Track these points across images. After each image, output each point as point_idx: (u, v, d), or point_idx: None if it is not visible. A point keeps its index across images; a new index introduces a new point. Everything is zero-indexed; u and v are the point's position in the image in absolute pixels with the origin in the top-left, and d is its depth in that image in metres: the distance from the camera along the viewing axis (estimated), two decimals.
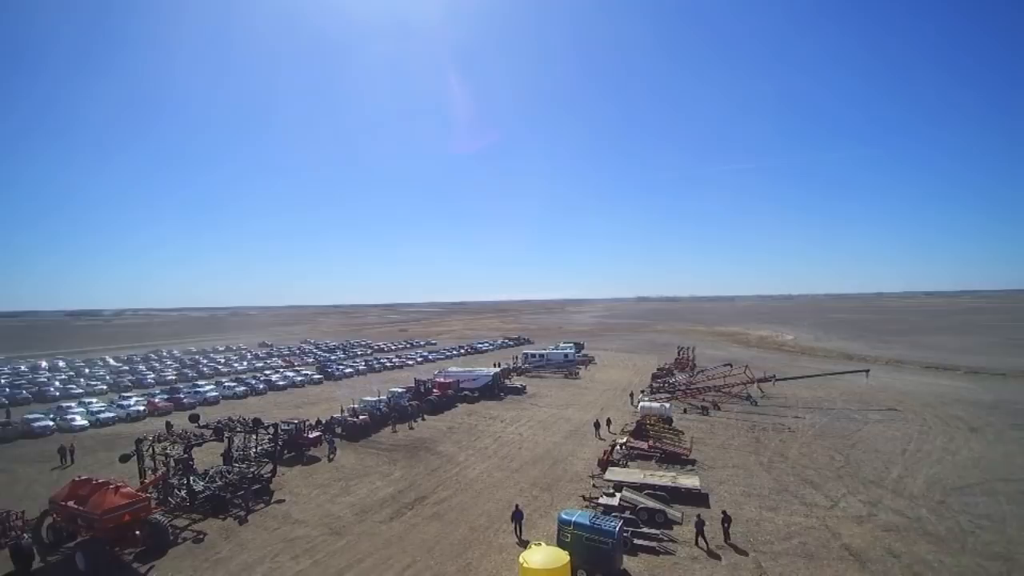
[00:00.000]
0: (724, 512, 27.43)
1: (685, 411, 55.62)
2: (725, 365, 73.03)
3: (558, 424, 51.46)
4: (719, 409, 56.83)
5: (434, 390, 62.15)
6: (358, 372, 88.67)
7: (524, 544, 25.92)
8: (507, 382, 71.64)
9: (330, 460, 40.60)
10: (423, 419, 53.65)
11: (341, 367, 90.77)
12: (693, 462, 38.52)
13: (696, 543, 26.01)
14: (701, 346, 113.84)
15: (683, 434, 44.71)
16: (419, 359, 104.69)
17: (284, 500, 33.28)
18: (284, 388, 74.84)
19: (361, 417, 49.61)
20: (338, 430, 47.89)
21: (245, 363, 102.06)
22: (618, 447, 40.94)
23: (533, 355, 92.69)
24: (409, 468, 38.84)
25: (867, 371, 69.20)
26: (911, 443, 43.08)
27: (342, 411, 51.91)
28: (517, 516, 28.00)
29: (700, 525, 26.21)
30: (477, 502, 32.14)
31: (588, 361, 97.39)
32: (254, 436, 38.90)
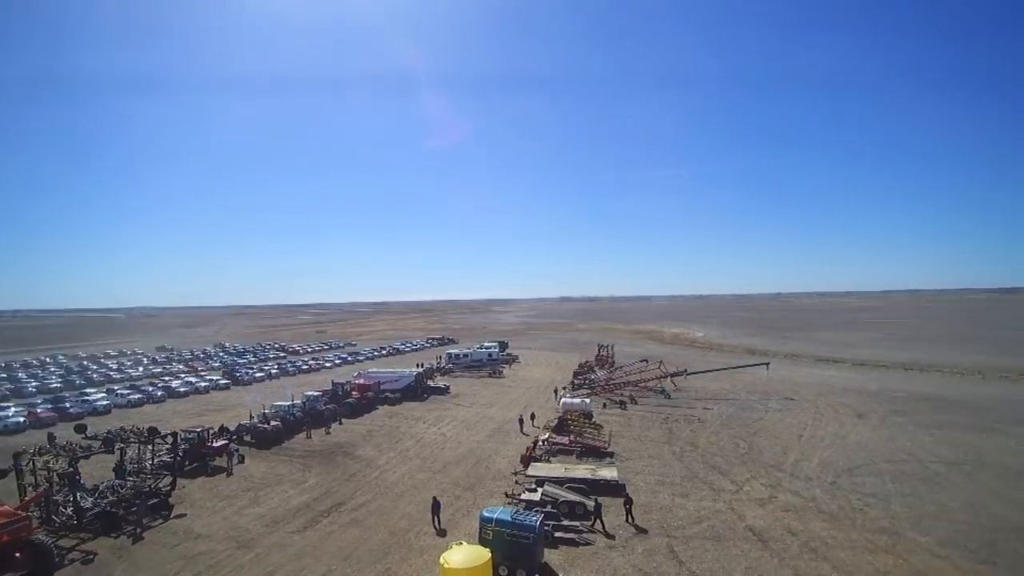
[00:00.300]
0: (627, 495, 29.33)
1: (605, 406, 57.32)
2: (642, 361, 76.03)
3: (482, 423, 51.35)
4: (636, 403, 59.08)
5: (353, 392, 60.10)
6: (270, 376, 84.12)
7: (443, 534, 26.75)
8: (430, 382, 70.65)
9: (228, 476, 37.31)
10: (340, 423, 51.70)
11: (250, 371, 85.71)
12: (612, 454, 39.70)
13: (592, 526, 27.40)
14: (620, 344, 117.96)
15: (603, 428, 45.98)
16: (337, 361, 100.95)
17: (185, 514, 30.82)
18: (186, 395, 69.56)
19: (272, 423, 47.00)
20: (247, 438, 45.11)
21: (141, 368, 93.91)
22: (540, 443, 41.43)
23: (457, 355, 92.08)
24: (325, 474, 37.22)
25: (767, 364, 74.84)
26: (806, 429, 46.78)
27: (251, 417, 48.91)
28: (435, 507, 28.42)
29: (598, 508, 27.92)
30: (398, 505, 31.33)
31: (512, 360, 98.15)
32: (150, 447, 35.75)
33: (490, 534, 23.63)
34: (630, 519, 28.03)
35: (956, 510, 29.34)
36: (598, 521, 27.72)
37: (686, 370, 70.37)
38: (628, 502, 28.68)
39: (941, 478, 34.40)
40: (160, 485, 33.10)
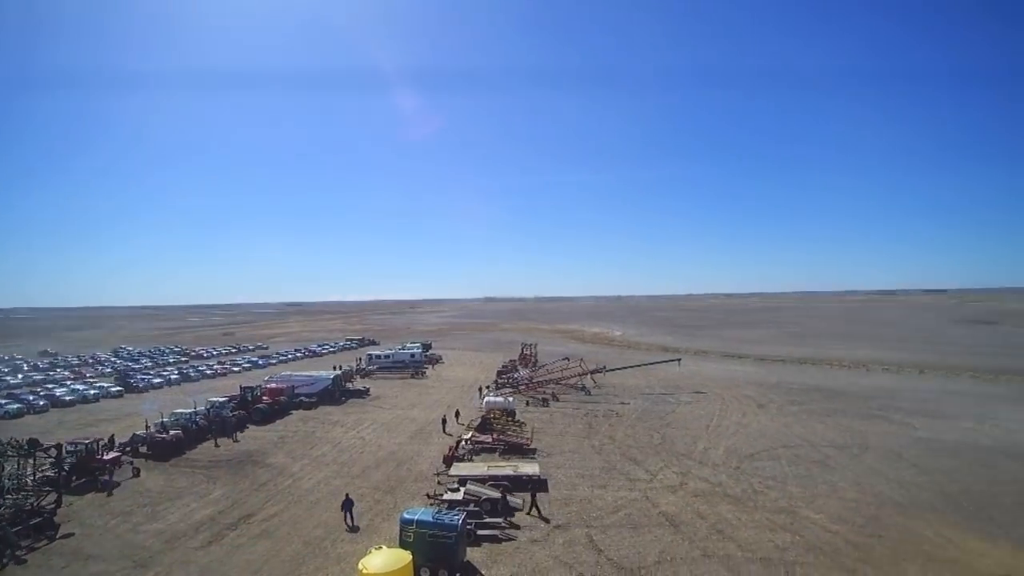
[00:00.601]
0: (532, 489, 30.13)
1: (528, 404, 57.95)
2: (563, 359, 77.65)
3: (403, 425, 50.25)
4: (558, 400, 60.22)
5: (264, 397, 56.85)
6: (170, 382, 77.83)
7: (355, 530, 26.84)
8: (349, 385, 68.31)
9: (109, 494, 33.67)
10: (247, 428, 48.74)
11: (147, 377, 78.94)
12: (534, 451, 40.15)
13: (529, 512, 28.35)
14: (543, 343, 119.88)
15: (525, 425, 46.41)
16: (247, 365, 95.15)
17: (74, 534, 27.81)
18: (72, 404, 62.86)
19: (172, 432, 43.48)
20: (143, 449, 41.48)
21: (20, 376, 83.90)
22: (463, 443, 41.15)
23: (378, 356, 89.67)
24: (232, 485, 34.88)
25: (679, 360, 79.01)
26: (714, 420, 49.67)
27: (148, 427, 44.97)
28: (347, 505, 28.14)
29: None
30: (312, 513, 29.90)
31: (436, 360, 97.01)
32: (31, 461, 31.95)
33: (411, 536, 23.11)
34: (534, 511, 28.72)
35: (845, 489, 32.21)
36: (534, 508, 28.79)
37: (605, 367, 72.64)
38: (533, 494, 29.45)
39: (832, 460, 37.65)
40: (44, 503, 29.72)
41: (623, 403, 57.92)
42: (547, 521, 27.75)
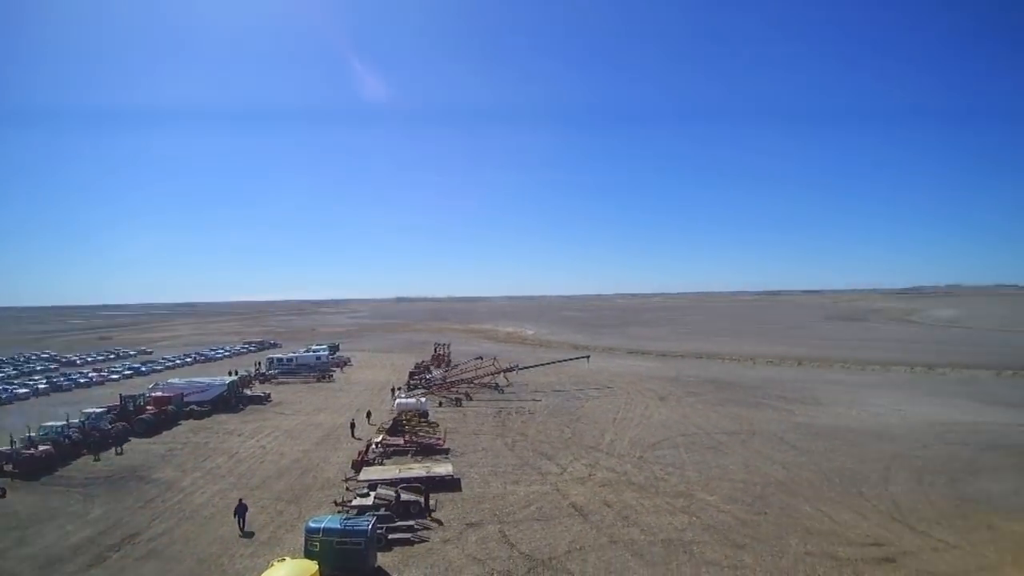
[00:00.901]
0: (425, 490, 29.68)
1: (441, 404, 57.44)
2: (477, 359, 77.79)
3: (308, 431, 47.94)
4: (471, 399, 60.23)
5: (148, 407, 51.96)
6: (37, 392, 69.12)
7: (249, 535, 25.83)
8: (247, 391, 64.15)
9: None
10: (129, 441, 44.39)
11: (10, 387, 69.59)
12: (447, 451, 39.86)
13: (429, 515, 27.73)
14: (456, 343, 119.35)
15: (438, 426, 45.98)
16: (128, 372, 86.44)
17: None
18: None
19: (42, 448, 38.60)
20: (7, 467, 36.51)
21: None
22: (374, 446, 39.99)
23: (280, 359, 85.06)
24: (114, 503, 31.55)
25: (588, 357, 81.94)
26: (619, 413, 51.94)
27: (12, 442, 39.51)
28: (240, 510, 27.05)
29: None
30: (206, 529, 27.69)
31: (344, 363, 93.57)
32: None
33: (317, 545, 22.09)
34: (428, 515, 28.09)
35: (735, 471, 34.87)
36: (428, 510, 28.32)
37: (518, 366, 73.63)
38: (426, 496, 28.98)
39: (724, 446, 40.63)
40: None
41: (535, 400, 59.04)
42: (440, 523, 27.35)
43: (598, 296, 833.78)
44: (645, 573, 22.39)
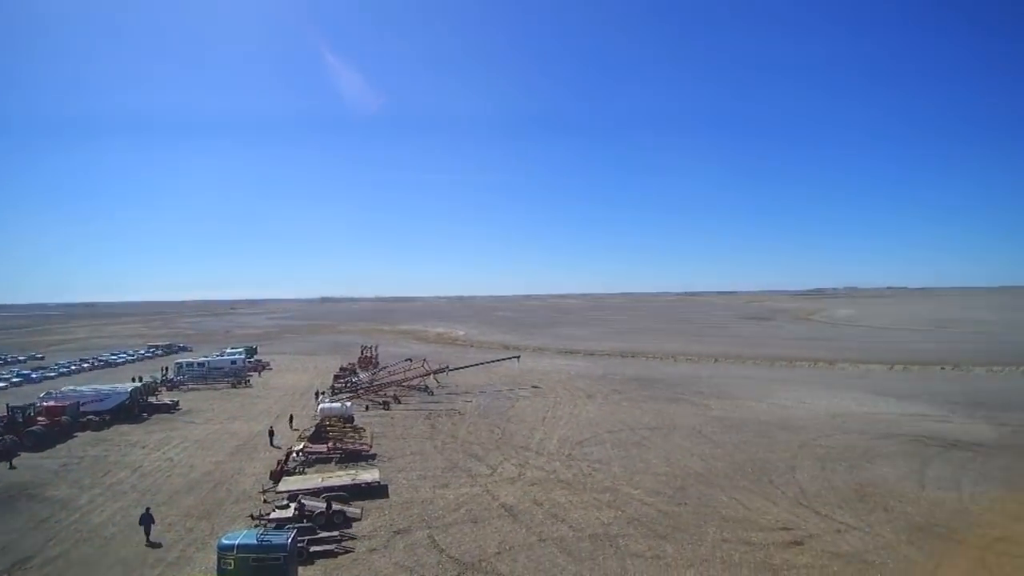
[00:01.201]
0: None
1: (367, 408, 55.79)
2: (406, 360, 76.29)
3: (222, 441, 45.00)
4: (400, 402, 58.91)
5: (39, 418, 46.93)
6: None
7: (157, 546, 24.75)
8: (152, 399, 59.38)
9: None
10: (18, 456, 39.87)
11: None
12: (374, 456, 38.68)
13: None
14: (384, 344, 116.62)
15: (364, 431, 44.59)
16: (15, 380, 77.81)
17: None
18: None
19: None
20: None
21: None
22: (294, 454, 38.13)
23: (191, 364, 79.52)
24: (2, 524, 28.17)
25: (518, 357, 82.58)
26: (549, 412, 52.59)
27: None
28: (145, 519, 26.02)
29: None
30: (108, 551, 25.24)
31: (263, 367, 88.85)
32: None
33: (231, 563, 20.62)
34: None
35: (658, 465, 36.16)
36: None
37: (448, 367, 72.90)
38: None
39: (647, 441, 42.08)
40: None
41: (466, 401, 58.65)
42: (354, 539, 26.09)
43: (529, 296, 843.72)
44: (573, 569, 22.67)
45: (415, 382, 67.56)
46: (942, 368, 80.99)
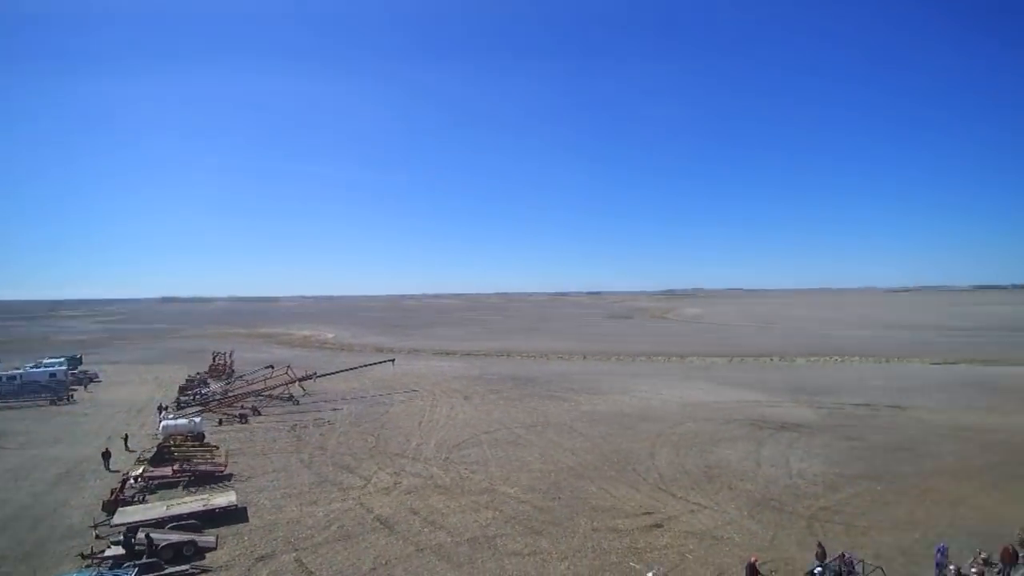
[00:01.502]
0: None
1: (221, 423, 50.75)
2: (267, 367, 70.76)
3: (40, 469, 38.11)
4: (260, 414, 54.31)
5: None
6: None
7: None
8: None
9: None
10: None
11: None
12: (229, 477, 35.13)
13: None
14: (241, 350, 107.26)
15: (217, 449, 40.44)
16: None
17: None
18: None
19: None
20: None
21: None
22: (132, 481, 33.42)
23: None
24: None
25: (393, 360, 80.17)
26: (425, 415, 51.78)
27: None
28: None
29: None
30: None
31: (89, 379, 76.91)
32: None
33: None
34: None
35: (532, 462, 37.19)
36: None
37: (315, 373, 68.83)
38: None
39: (523, 439, 43.11)
40: None
41: (336, 409, 55.72)
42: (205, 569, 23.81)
43: (403, 296, 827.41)
44: (452, 575, 22.44)
45: (278, 391, 62.85)
46: (771, 359, 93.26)
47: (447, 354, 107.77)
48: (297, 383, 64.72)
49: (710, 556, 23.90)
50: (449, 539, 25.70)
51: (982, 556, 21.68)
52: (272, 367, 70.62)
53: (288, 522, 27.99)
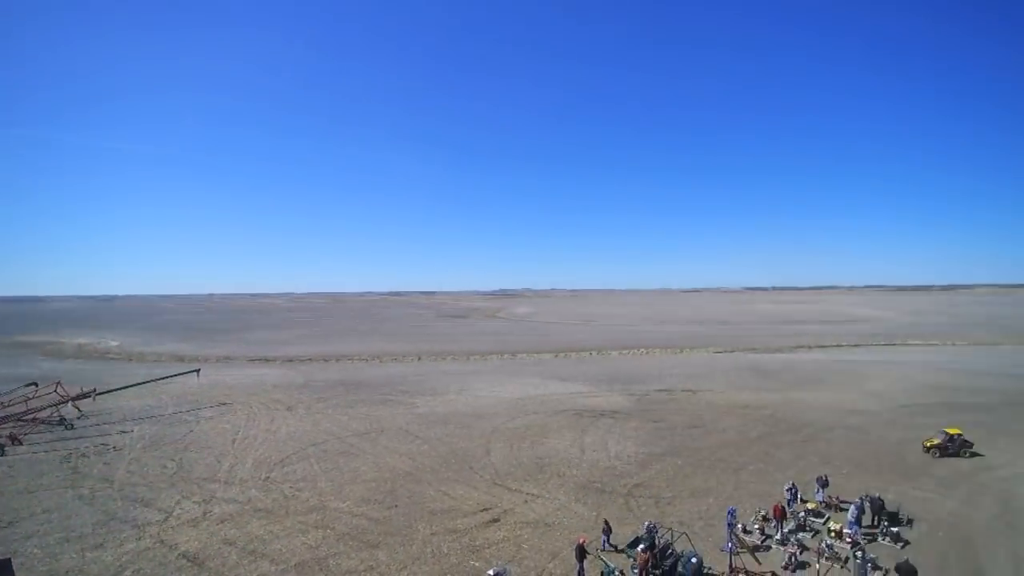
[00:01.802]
0: None
1: None
2: (29, 385, 57.68)
3: None
4: (20, 443, 43.73)
5: None
6: None
7: None
8: None
9: None
10: None
11: None
12: None
13: None
14: None
15: None
16: None
17: None
18: None
19: None
20: None
21: None
22: None
23: None
24: None
25: (198, 371, 70.51)
26: (240, 432, 46.40)
27: None
28: None
29: None
30: None
31: None
32: None
33: None
34: None
35: (366, 472, 35.48)
36: None
37: (95, 390, 57.62)
38: None
39: (355, 448, 40.94)
40: None
41: (124, 432, 47.15)
42: None
43: (212, 296, 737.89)
44: None
45: (45, 414, 51.38)
46: (591, 353, 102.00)
47: (267, 360, 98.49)
48: (71, 403, 53.62)
49: (544, 543, 25.09)
50: (273, 568, 23.25)
51: (761, 514, 26.25)
52: (36, 384, 57.77)
53: (68, 572, 22.88)
